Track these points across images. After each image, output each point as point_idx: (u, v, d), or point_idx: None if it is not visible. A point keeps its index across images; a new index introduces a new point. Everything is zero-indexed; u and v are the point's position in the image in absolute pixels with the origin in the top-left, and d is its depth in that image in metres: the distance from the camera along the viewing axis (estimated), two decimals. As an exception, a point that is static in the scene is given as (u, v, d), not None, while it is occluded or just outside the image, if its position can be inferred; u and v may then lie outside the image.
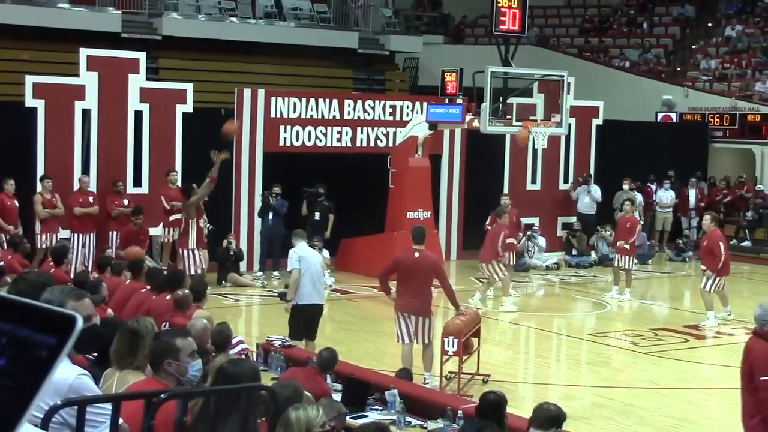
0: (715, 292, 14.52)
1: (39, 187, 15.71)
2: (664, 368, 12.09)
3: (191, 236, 14.48)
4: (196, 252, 14.58)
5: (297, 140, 18.44)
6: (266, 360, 10.18)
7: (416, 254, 10.68)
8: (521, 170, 20.98)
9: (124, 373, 4.91)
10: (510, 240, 16.50)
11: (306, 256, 11.03)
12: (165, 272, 11.83)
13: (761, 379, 6.85)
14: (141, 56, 17.40)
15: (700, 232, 22.55)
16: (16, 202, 15.29)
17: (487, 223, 16.75)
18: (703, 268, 14.86)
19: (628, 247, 16.51)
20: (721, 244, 14.47)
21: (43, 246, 15.15)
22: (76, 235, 15.84)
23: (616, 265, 16.77)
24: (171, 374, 4.55)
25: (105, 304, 9.44)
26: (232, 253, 17.13)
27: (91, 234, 16.00)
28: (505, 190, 19.50)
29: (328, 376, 8.89)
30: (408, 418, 8.14)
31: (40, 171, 15.91)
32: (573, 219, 21.03)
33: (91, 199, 16.04)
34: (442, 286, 10.94)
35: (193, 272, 13.78)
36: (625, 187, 21.41)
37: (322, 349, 8.38)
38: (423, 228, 11.23)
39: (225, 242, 17.13)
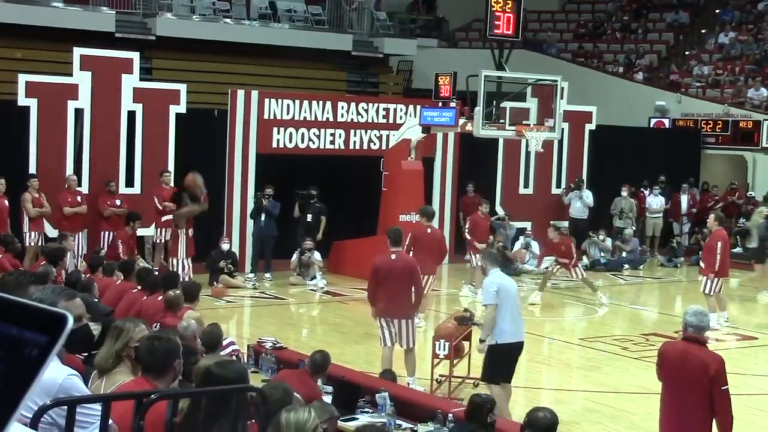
0: (715, 294, 14.61)
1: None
2: (655, 373, 12.07)
3: (181, 246, 14.32)
4: (185, 262, 14.44)
5: (290, 142, 18.43)
6: (257, 362, 10.18)
7: (393, 256, 10.62)
8: (514, 174, 21.00)
9: (113, 374, 4.90)
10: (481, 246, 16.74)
11: (505, 287, 9.38)
12: (156, 273, 11.81)
13: (723, 388, 6.68)
14: (135, 56, 17.37)
15: (692, 237, 22.65)
16: (6, 202, 15.22)
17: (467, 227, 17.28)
18: (702, 266, 14.95)
19: (567, 261, 16.59)
20: (719, 243, 14.56)
21: (32, 244, 15.09)
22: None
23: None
24: (174, 374, 4.52)
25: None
26: (223, 265, 16.95)
27: (80, 233, 15.95)
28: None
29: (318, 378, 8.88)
30: (398, 421, 8.14)
31: (33, 170, 15.86)
32: (565, 224, 21.04)
33: (79, 198, 15.97)
34: (414, 287, 10.67)
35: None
36: (624, 193, 21.47)
37: (315, 351, 8.32)
38: (399, 229, 11.12)
39: (221, 245, 17.10)
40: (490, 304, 9.25)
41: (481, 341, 9.41)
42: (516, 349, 9.37)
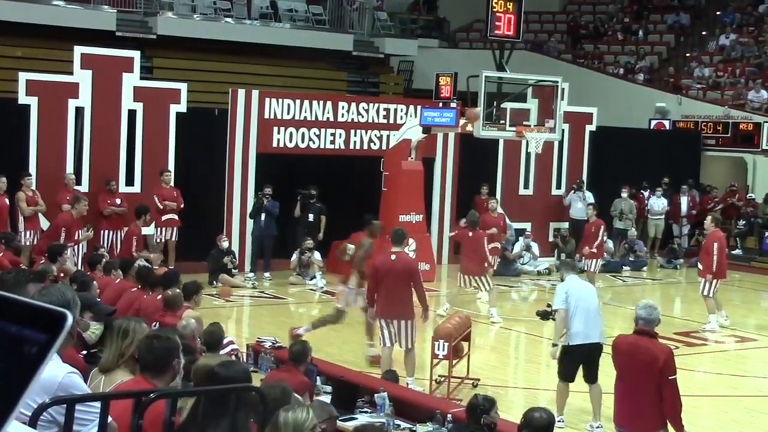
0: (713, 296, 14.70)
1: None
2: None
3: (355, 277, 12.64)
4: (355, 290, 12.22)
5: (290, 142, 18.43)
6: (256, 361, 10.20)
7: (393, 257, 10.64)
8: (514, 175, 21.00)
9: (113, 372, 4.90)
10: (494, 244, 16.69)
11: (576, 291, 9.72)
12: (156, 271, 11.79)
13: (670, 378, 7.16)
14: (135, 55, 17.38)
15: (692, 239, 22.65)
16: (6, 200, 15.21)
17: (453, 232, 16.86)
18: (700, 267, 15.02)
19: (595, 251, 17.06)
20: (715, 244, 14.63)
21: (28, 243, 15.08)
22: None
23: (586, 269, 16.90)
24: (173, 373, 4.51)
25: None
26: (227, 261, 16.98)
27: (80, 231, 15.92)
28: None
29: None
30: (397, 421, 8.14)
31: (33, 169, 15.85)
32: (565, 225, 21.04)
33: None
34: (415, 289, 10.64)
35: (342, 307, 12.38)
36: (624, 194, 21.45)
37: (293, 343, 8.33)
38: (402, 230, 11.16)
39: (219, 243, 17.10)
40: (559, 308, 9.65)
41: (554, 345, 9.85)
42: (588, 350, 9.57)
